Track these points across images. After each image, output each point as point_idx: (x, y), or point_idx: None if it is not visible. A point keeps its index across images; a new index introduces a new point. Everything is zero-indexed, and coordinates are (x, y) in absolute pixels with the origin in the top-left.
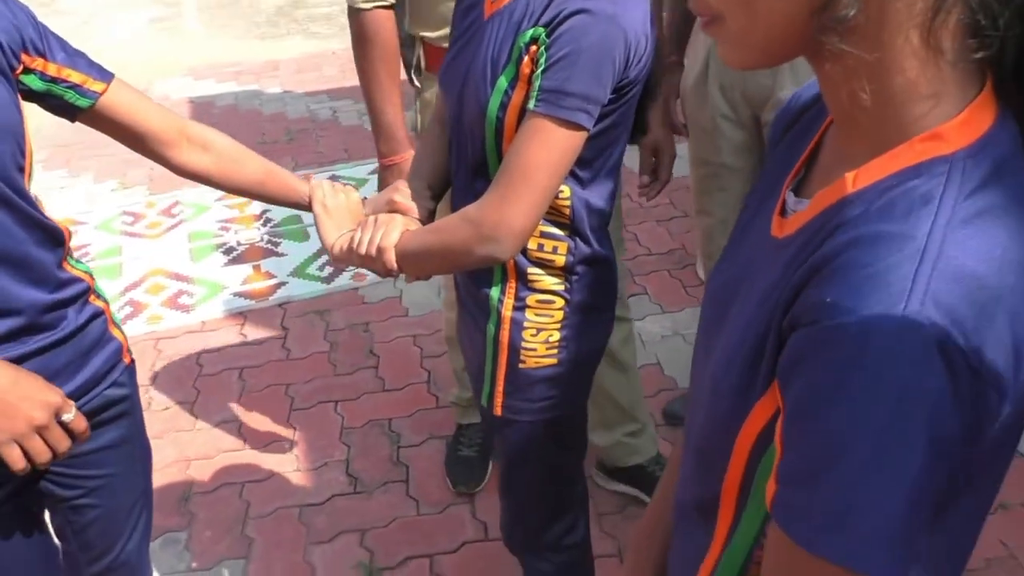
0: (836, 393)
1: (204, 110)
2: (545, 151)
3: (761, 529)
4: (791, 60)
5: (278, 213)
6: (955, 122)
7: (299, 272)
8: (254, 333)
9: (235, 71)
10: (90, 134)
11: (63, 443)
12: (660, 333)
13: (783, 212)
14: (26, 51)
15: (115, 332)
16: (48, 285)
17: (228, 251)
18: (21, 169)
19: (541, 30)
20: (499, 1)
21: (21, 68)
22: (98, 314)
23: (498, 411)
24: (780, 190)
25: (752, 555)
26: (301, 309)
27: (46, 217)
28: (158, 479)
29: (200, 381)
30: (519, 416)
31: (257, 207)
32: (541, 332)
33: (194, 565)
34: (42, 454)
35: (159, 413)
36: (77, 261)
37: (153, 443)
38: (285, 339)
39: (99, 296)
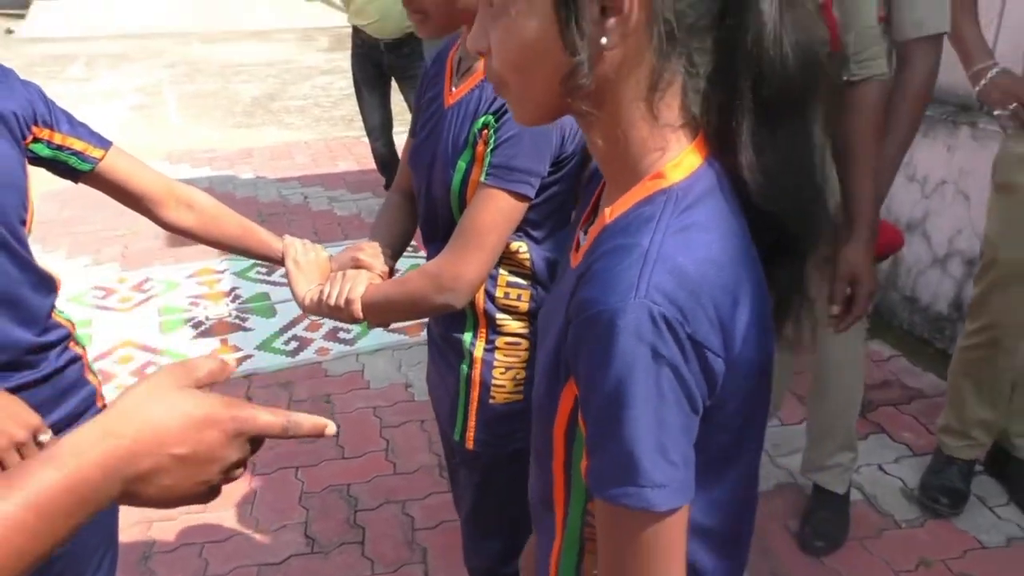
0: (600, 369)
1: None
2: (493, 216)
3: (585, 505)
4: (562, 116)
5: (247, 290)
6: (672, 164)
7: (265, 346)
8: None
9: (209, 157)
10: (64, 213)
11: None
12: None
13: (577, 247)
14: (36, 123)
15: (90, 378)
16: (35, 328)
17: (196, 325)
18: (23, 221)
19: (491, 117)
20: (457, 93)
21: (31, 138)
22: (76, 359)
23: (470, 445)
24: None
25: (583, 531)
26: (266, 381)
27: (41, 267)
28: (120, 538)
29: None
30: (489, 449)
31: (226, 284)
32: (509, 370)
33: None
34: None
35: None
36: (60, 311)
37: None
38: None
39: (78, 343)
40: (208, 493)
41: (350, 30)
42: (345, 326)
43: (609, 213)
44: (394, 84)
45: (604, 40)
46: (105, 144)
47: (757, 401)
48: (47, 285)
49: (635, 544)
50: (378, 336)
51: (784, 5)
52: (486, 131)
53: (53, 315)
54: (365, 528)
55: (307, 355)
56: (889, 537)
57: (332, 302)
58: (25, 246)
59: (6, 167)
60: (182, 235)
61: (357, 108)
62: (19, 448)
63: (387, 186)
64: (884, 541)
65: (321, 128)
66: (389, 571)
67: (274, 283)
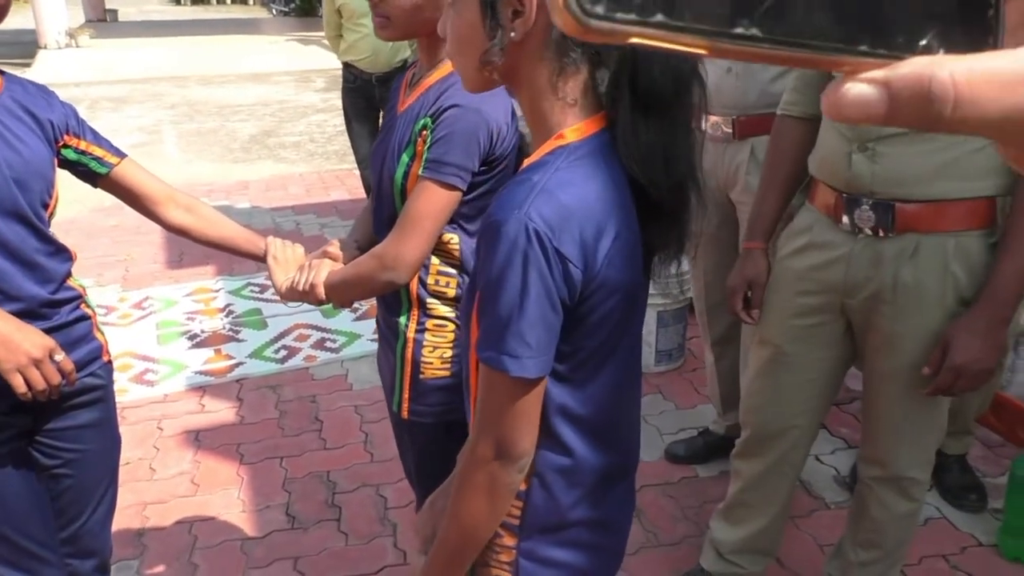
0: (487, 263)
1: None
2: (429, 204)
3: None
4: (493, 87)
5: (240, 307)
6: (572, 129)
7: (257, 354)
8: (212, 404)
9: (207, 189)
10: (67, 241)
11: (55, 377)
12: None
13: None
14: (68, 133)
15: (98, 335)
16: (49, 285)
17: (192, 337)
18: (45, 206)
19: (429, 119)
20: (407, 101)
21: (62, 143)
22: (86, 317)
23: (405, 414)
24: None
25: None
26: (256, 384)
27: (59, 240)
28: (114, 520)
29: (159, 441)
30: (422, 418)
31: (221, 301)
32: (437, 349)
33: None
34: (39, 383)
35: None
36: (76, 279)
37: None
38: (239, 408)
39: (88, 306)
40: None
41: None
42: (332, 336)
43: (526, 161)
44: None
45: (513, 34)
46: (121, 154)
47: (623, 318)
48: (63, 255)
49: (495, 397)
50: (362, 345)
51: None
52: (425, 131)
53: (68, 280)
54: (342, 508)
55: (295, 362)
56: (818, 517)
57: (300, 287)
58: (45, 223)
59: (39, 161)
60: (181, 234)
61: (349, 144)
62: (37, 365)
63: None
64: (813, 520)
65: (315, 162)
66: (362, 543)
67: (266, 300)
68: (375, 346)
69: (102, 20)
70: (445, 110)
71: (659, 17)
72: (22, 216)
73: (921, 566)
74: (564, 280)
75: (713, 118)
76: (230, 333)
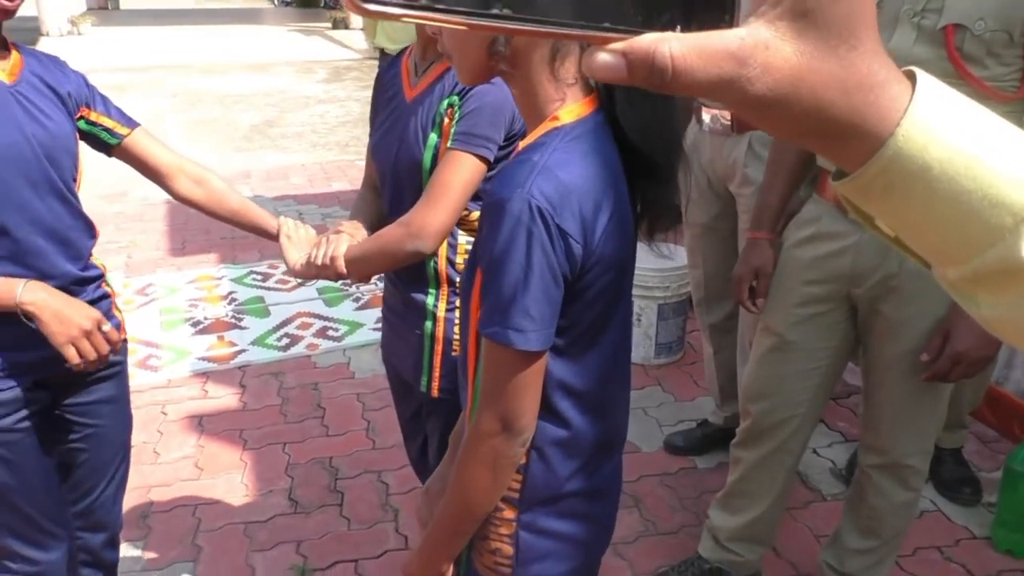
0: (490, 239)
1: (180, 209)
2: (458, 174)
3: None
4: (492, 77)
5: (243, 295)
6: (567, 111)
7: (259, 342)
8: (215, 390)
9: None
10: None
11: (104, 346)
12: None
13: None
14: (83, 105)
15: (116, 313)
16: (79, 263)
17: (195, 324)
18: (74, 179)
19: (455, 97)
20: (418, 88)
21: (79, 115)
22: (106, 296)
23: (435, 392)
24: None
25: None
26: (258, 371)
27: (86, 214)
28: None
29: (163, 426)
30: (452, 396)
31: (224, 289)
32: None
33: (149, 566)
34: (89, 353)
35: None
36: (95, 257)
37: None
38: (242, 394)
39: (108, 284)
40: None
41: (346, 63)
42: (334, 325)
43: (522, 144)
44: None
45: None
46: (132, 124)
47: (617, 291)
48: (89, 230)
49: (499, 372)
50: (364, 334)
51: None
52: (451, 109)
53: (91, 257)
54: (344, 493)
55: (298, 350)
56: (815, 508)
57: (319, 262)
58: (76, 197)
59: (64, 136)
60: (191, 207)
61: (352, 134)
62: (88, 336)
63: None
64: (810, 512)
65: (317, 152)
66: (364, 528)
67: (268, 288)
68: (377, 335)
69: (103, 8)
70: (472, 87)
71: (423, 1)
72: (57, 191)
73: (915, 557)
74: (566, 255)
75: (712, 111)
76: (233, 320)
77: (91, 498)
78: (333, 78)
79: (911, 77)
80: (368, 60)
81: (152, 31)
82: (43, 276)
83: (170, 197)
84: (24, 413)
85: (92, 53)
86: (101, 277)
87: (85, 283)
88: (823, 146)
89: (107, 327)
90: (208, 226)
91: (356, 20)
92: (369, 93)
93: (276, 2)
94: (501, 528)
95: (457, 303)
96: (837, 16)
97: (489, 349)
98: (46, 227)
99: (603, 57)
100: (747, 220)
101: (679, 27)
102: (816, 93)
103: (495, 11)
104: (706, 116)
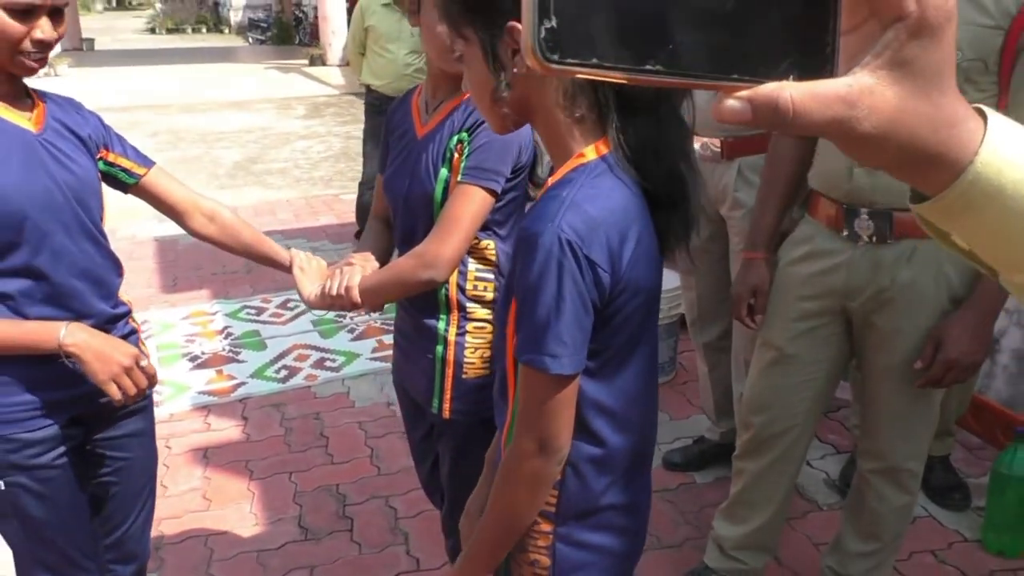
0: (524, 272)
1: (169, 247)
2: (468, 206)
3: None
4: (521, 126)
5: (238, 329)
6: (591, 148)
7: (258, 374)
8: (217, 423)
9: None
10: None
11: (143, 381)
12: None
13: None
14: (102, 146)
15: (143, 348)
16: (111, 301)
17: (193, 359)
18: (100, 218)
19: (464, 133)
20: (429, 125)
21: (99, 156)
22: (134, 331)
23: (447, 414)
24: None
25: None
26: (259, 403)
27: (114, 254)
28: None
29: (168, 459)
30: (463, 417)
31: (219, 324)
32: (477, 350)
33: None
34: (130, 388)
35: None
36: (122, 293)
37: None
38: (245, 426)
39: (134, 320)
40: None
41: (324, 99)
42: (331, 356)
43: (550, 180)
44: None
45: (516, 69)
46: (148, 163)
47: (645, 314)
48: (117, 268)
49: (535, 396)
50: (362, 364)
51: None
52: (461, 144)
53: (119, 294)
54: (353, 519)
55: (297, 381)
56: (812, 518)
57: (334, 292)
58: (104, 236)
59: (90, 179)
60: (206, 241)
61: (335, 169)
62: (128, 372)
63: (359, 234)
64: (808, 521)
65: (302, 187)
66: (375, 552)
67: (263, 322)
68: (374, 364)
69: (78, 49)
70: (481, 123)
71: (593, 60)
72: (89, 233)
73: (910, 561)
74: (595, 284)
75: (703, 139)
76: (230, 354)
77: (122, 530)
78: (313, 114)
79: (981, 113)
80: (346, 96)
81: (129, 71)
82: (80, 316)
83: (158, 235)
84: (61, 450)
85: (70, 94)
86: (129, 313)
87: (116, 320)
88: (911, 173)
89: (144, 362)
90: (199, 262)
91: (333, 57)
92: (349, 128)
93: (251, 40)
94: (539, 541)
95: (467, 327)
96: (930, 66)
97: (526, 375)
98: (80, 268)
99: (731, 103)
100: (738, 242)
101: (792, 76)
102: (912, 130)
103: (648, 67)
104: (696, 144)
